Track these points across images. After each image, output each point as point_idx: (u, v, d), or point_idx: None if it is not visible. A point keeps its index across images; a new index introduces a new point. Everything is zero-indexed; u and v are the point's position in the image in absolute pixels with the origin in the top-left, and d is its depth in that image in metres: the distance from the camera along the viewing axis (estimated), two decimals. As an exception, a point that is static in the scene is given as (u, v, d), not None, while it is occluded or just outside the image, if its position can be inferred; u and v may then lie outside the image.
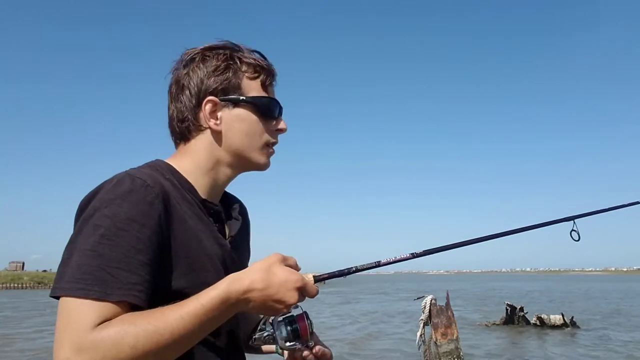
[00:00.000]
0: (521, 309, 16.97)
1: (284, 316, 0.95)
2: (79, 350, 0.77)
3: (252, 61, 1.04)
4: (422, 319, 9.83)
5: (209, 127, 1.02)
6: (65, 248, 0.86)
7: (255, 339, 0.99)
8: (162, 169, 0.99)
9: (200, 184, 1.02)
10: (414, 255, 1.04)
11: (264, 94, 1.04)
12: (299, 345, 0.97)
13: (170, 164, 1.02)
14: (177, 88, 1.04)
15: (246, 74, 1.03)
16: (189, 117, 1.02)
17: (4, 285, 62.78)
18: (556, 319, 16.28)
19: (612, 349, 12.39)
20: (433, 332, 9.72)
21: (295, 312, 0.96)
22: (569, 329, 15.84)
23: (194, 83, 1.02)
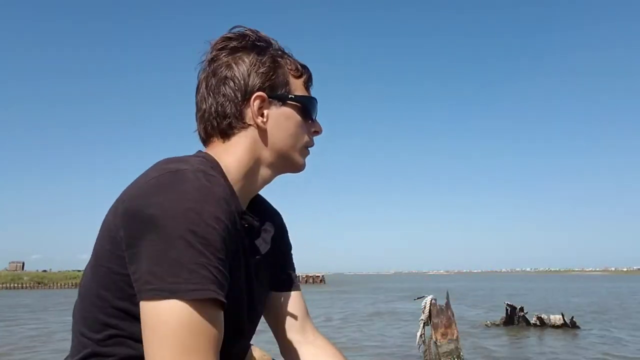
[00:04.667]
0: (521, 309, 16.96)
1: None
2: None
3: (295, 60, 1.01)
4: (422, 319, 9.84)
5: (255, 125, 0.95)
6: (147, 244, 0.75)
7: None
8: (214, 166, 0.90)
9: (238, 187, 0.93)
10: None
11: (306, 94, 1.01)
12: None
13: (216, 159, 0.93)
14: (217, 80, 0.95)
15: (291, 72, 0.99)
16: (233, 112, 0.94)
17: (4, 285, 62.76)
18: (556, 319, 16.27)
19: (612, 348, 12.38)
20: (433, 332, 9.73)
21: None
22: (569, 329, 15.84)
23: (239, 76, 0.94)
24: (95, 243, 0.86)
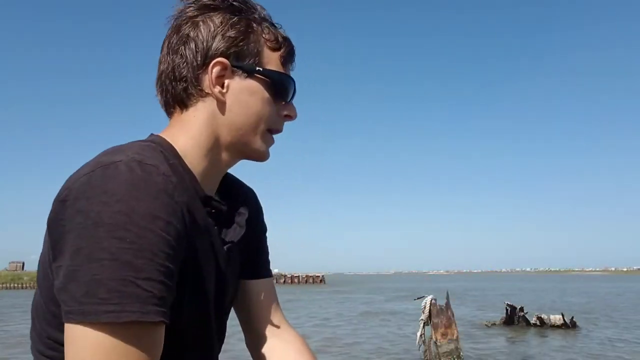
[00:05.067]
0: (521, 309, 16.98)
1: None
2: None
3: (275, 30, 0.86)
4: (422, 319, 9.85)
5: (213, 95, 0.81)
6: (66, 257, 0.63)
7: None
8: (165, 150, 0.78)
9: (198, 170, 0.81)
10: None
11: (282, 70, 0.86)
12: None
13: (168, 141, 0.80)
14: (178, 38, 0.82)
15: (267, 43, 0.84)
16: (189, 76, 0.81)
17: (4, 285, 62.88)
18: (556, 319, 16.29)
19: (612, 348, 12.39)
20: (433, 332, 9.74)
21: None
22: (569, 329, 15.85)
23: (202, 36, 0.81)
24: (40, 255, 0.75)
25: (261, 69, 0.83)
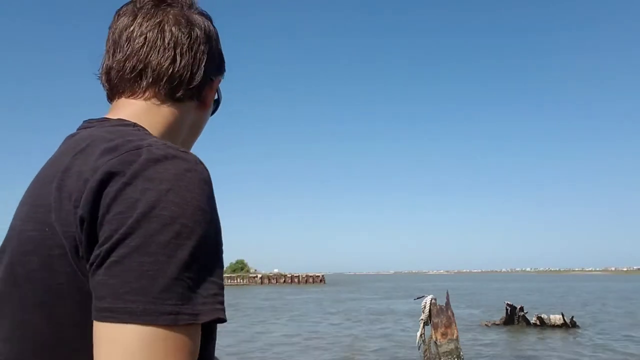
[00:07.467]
0: (521, 309, 17.02)
1: None
2: None
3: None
4: (422, 319, 9.87)
5: (202, 104, 0.82)
6: (112, 247, 0.56)
7: None
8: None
9: None
10: None
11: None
12: None
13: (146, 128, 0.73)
14: (205, 39, 0.79)
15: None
16: (205, 77, 0.79)
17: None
18: (556, 319, 16.32)
19: (611, 348, 12.40)
20: (433, 332, 9.76)
21: None
22: (569, 329, 15.87)
23: (219, 52, 0.83)
24: (20, 265, 0.63)
25: (218, 97, 0.88)
